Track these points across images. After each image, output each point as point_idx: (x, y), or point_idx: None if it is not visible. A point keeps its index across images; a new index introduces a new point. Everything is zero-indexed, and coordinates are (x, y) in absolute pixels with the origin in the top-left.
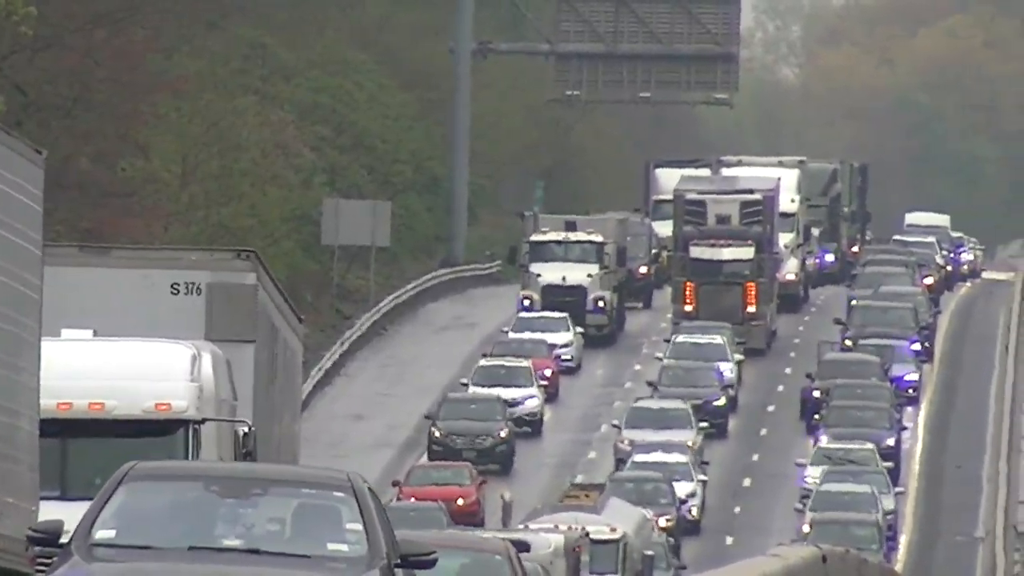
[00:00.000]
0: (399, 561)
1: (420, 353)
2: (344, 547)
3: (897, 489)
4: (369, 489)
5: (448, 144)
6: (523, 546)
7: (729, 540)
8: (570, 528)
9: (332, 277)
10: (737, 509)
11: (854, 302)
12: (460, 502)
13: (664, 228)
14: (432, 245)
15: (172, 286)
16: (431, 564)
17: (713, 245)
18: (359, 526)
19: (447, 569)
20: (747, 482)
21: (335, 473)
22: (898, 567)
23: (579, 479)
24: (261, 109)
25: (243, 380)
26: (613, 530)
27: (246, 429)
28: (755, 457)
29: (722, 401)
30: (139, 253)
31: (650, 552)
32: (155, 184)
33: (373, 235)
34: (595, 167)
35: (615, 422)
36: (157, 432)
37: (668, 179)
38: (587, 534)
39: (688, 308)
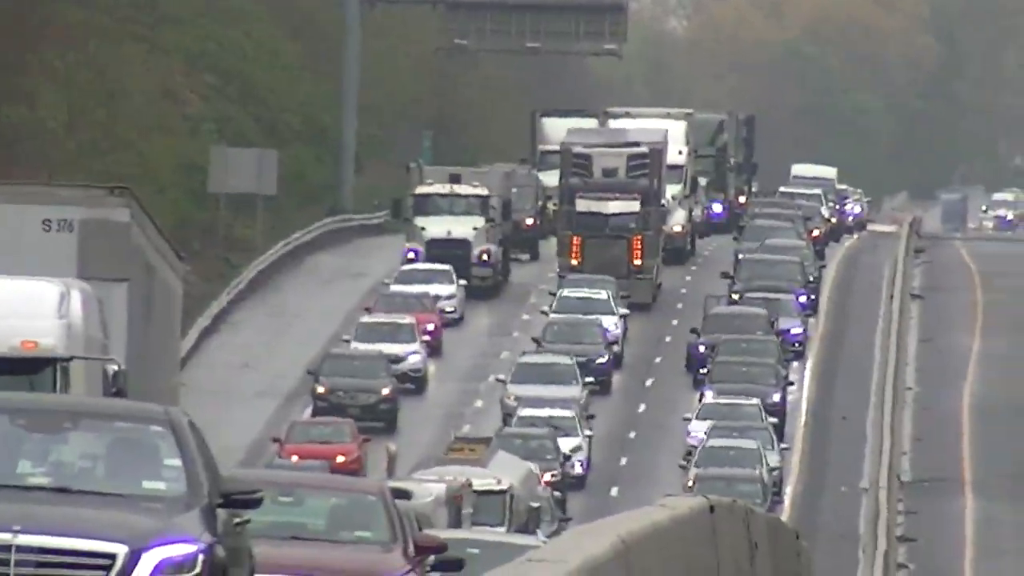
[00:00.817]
0: (221, 500)
1: (306, 303)
2: (161, 485)
3: (782, 445)
4: (190, 423)
5: (336, 94)
6: (404, 494)
7: (615, 491)
8: (454, 479)
9: (219, 226)
10: (623, 461)
11: (741, 256)
12: (341, 459)
13: (551, 179)
14: (319, 195)
15: (44, 222)
16: (256, 504)
17: (599, 198)
18: (177, 462)
19: (319, 509)
20: (632, 435)
21: (152, 406)
22: (784, 519)
23: (466, 429)
24: (148, 57)
25: (116, 319)
26: (499, 482)
27: (116, 368)
28: (641, 408)
29: (606, 358)
30: (10, 188)
31: (536, 504)
32: (41, 133)
33: (260, 184)
34: (483, 118)
35: (500, 377)
36: (24, 370)
37: (555, 129)
38: (469, 484)
39: (574, 261)
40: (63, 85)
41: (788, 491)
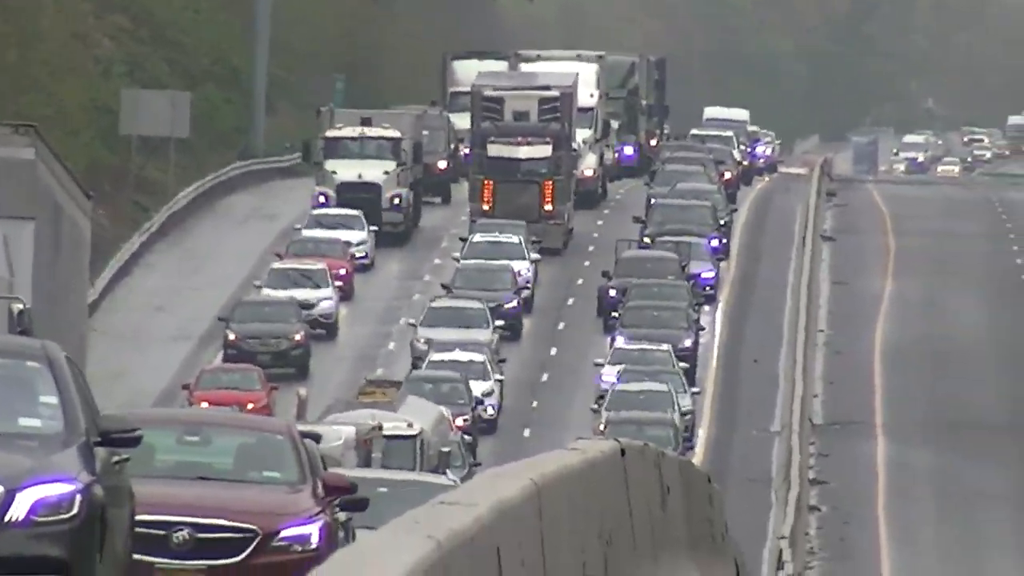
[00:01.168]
0: (100, 439)
1: (219, 245)
2: (37, 422)
3: (693, 390)
4: (67, 359)
5: (248, 36)
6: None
7: (527, 432)
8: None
9: (131, 169)
10: (535, 404)
11: (652, 200)
12: (250, 406)
13: (462, 121)
14: (231, 137)
15: None
16: (135, 442)
17: (510, 143)
18: (54, 399)
19: (226, 449)
20: (544, 378)
21: (28, 341)
22: (695, 462)
23: (379, 372)
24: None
25: (22, 258)
26: (410, 426)
27: (21, 306)
28: (552, 353)
29: (515, 303)
30: None
31: (446, 449)
32: None
33: (172, 126)
34: (395, 61)
35: (411, 321)
36: None
37: (465, 71)
38: (380, 427)
39: (485, 206)
40: None
41: (700, 435)
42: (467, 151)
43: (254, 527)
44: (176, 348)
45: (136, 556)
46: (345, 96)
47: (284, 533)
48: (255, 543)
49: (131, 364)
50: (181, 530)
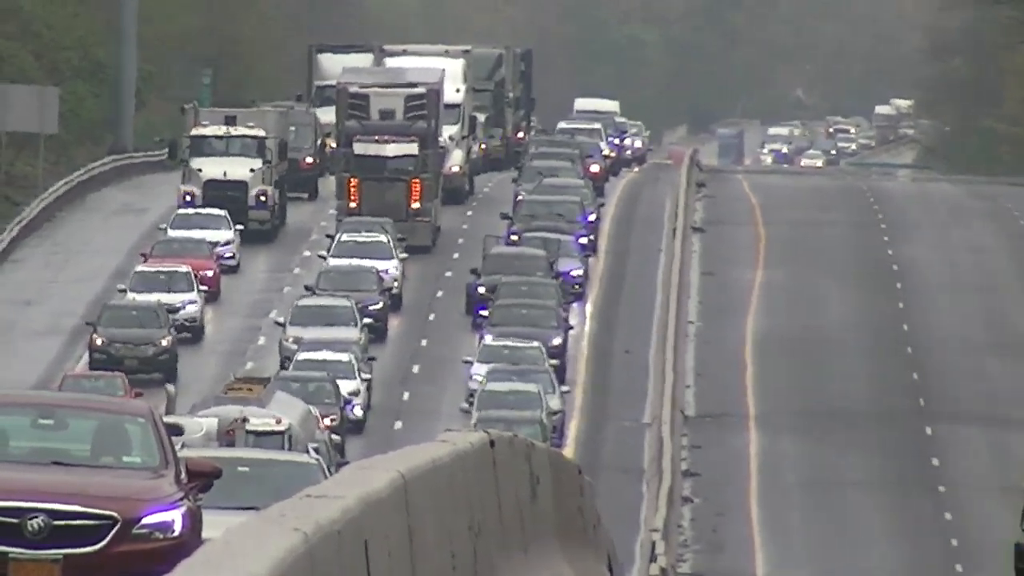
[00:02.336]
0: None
1: (89, 239)
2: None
3: (563, 388)
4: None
5: (114, 30)
6: (176, 430)
7: (399, 425)
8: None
9: (0, 164)
10: (406, 396)
11: (520, 196)
12: None
13: (327, 115)
14: (99, 132)
15: None
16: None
17: (377, 141)
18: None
19: (82, 433)
20: (415, 369)
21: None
22: (567, 454)
23: (249, 366)
24: None
25: None
26: (279, 422)
27: None
28: (421, 350)
29: (380, 304)
30: None
31: (314, 445)
32: None
33: (40, 122)
34: (261, 54)
35: (279, 320)
36: None
37: (331, 65)
38: (244, 419)
39: (352, 204)
40: None
41: (571, 426)
42: (333, 146)
43: (113, 513)
44: (45, 343)
45: None
46: (212, 89)
47: (145, 520)
48: (114, 530)
49: (1, 358)
50: (35, 517)
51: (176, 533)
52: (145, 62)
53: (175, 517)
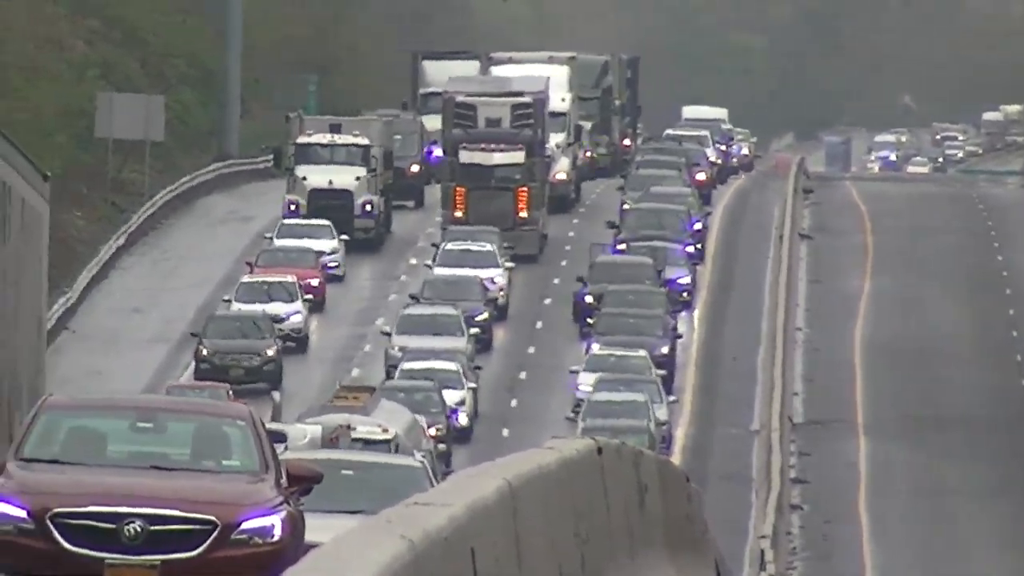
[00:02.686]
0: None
1: (195, 247)
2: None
3: (670, 398)
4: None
5: (220, 37)
6: (280, 437)
7: (506, 432)
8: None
9: (107, 171)
10: (514, 403)
11: (626, 205)
12: None
13: (433, 122)
14: (205, 139)
15: None
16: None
17: (483, 150)
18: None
19: (181, 436)
20: (523, 375)
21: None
22: (674, 461)
23: (355, 373)
24: (33, 3)
25: None
26: (385, 431)
27: None
28: (527, 358)
29: (484, 315)
30: None
31: (421, 454)
32: None
33: (147, 130)
34: (366, 61)
35: (385, 329)
36: None
37: (436, 71)
38: (349, 427)
39: (458, 213)
40: None
41: (679, 434)
42: (431, 149)
43: (212, 518)
44: (151, 351)
45: (84, 551)
46: (318, 97)
47: (244, 525)
48: (213, 536)
49: (107, 367)
50: (132, 522)
51: (276, 538)
52: (250, 70)
53: (275, 522)
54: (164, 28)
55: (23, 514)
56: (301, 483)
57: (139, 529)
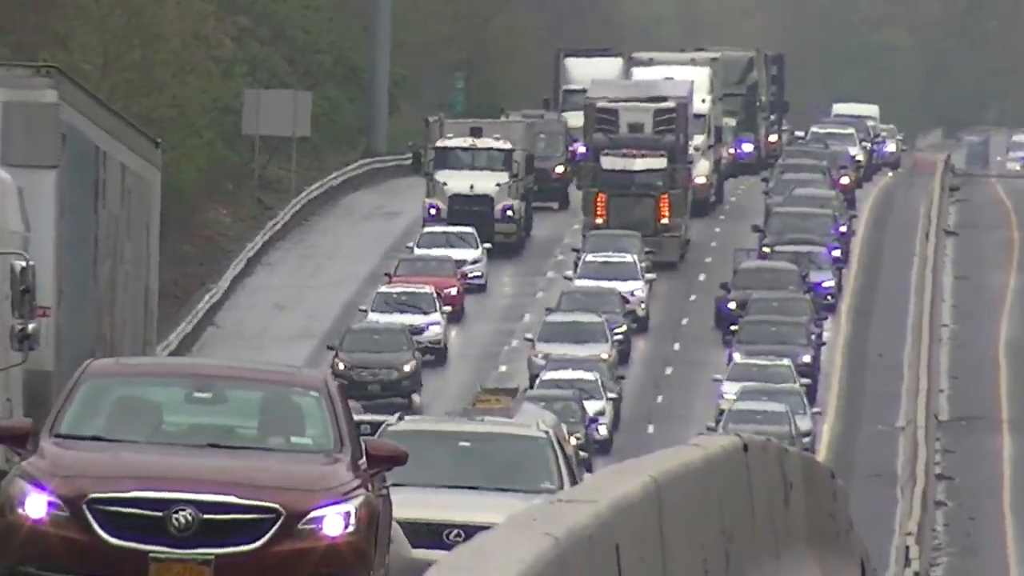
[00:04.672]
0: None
1: (341, 244)
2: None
3: (814, 409)
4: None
5: (368, 34)
6: None
7: (651, 429)
8: None
9: (254, 168)
10: (659, 398)
11: (772, 209)
12: None
13: (575, 120)
14: (353, 136)
15: None
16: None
17: (625, 155)
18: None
19: (244, 408)
20: (660, 399)
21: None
22: (819, 457)
23: (503, 369)
24: (182, 1)
25: (43, 210)
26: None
27: (24, 263)
28: (668, 372)
29: (624, 327)
30: None
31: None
32: (75, 75)
33: (294, 125)
34: (512, 58)
35: (528, 335)
36: None
37: (578, 69)
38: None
39: (599, 220)
40: (97, 28)
41: (824, 430)
42: (573, 147)
43: (276, 506)
44: (296, 348)
45: (126, 543)
46: (465, 94)
47: (313, 514)
48: (276, 526)
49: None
50: (182, 510)
51: (350, 529)
52: (398, 67)
53: (349, 510)
54: (311, 25)
55: (56, 500)
56: (383, 464)
57: (190, 518)
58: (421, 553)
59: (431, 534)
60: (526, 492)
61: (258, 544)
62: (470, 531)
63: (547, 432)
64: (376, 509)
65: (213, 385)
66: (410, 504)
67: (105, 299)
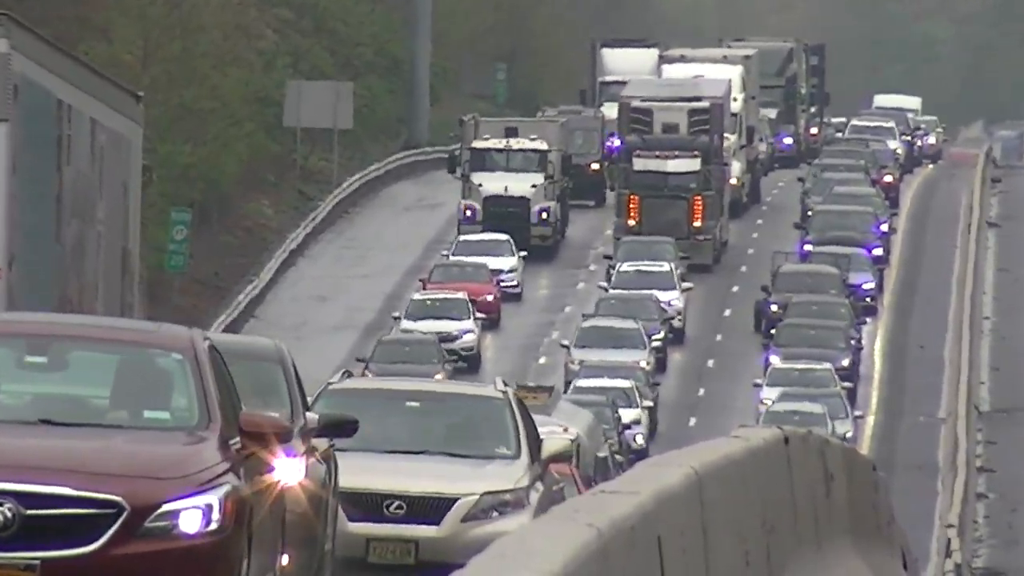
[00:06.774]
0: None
1: (383, 234)
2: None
3: (856, 413)
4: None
5: (409, 25)
6: None
7: (692, 422)
8: None
9: (295, 159)
10: (701, 391)
11: (813, 208)
12: None
13: (612, 111)
14: (394, 127)
15: None
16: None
17: (658, 156)
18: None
19: (88, 374)
20: (700, 395)
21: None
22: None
23: (542, 361)
24: None
25: None
26: (565, 430)
27: None
28: (709, 364)
29: (661, 335)
30: None
31: (602, 454)
32: (116, 67)
33: (335, 117)
34: (553, 50)
35: (564, 342)
36: None
37: (614, 60)
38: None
39: (632, 222)
40: (138, 19)
41: (867, 424)
42: (609, 142)
43: (117, 499)
44: (338, 339)
45: None
46: (506, 85)
47: (165, 507)
48: (118, 524)
49: (296, 354)
50: (0, 504)
51: (212, 527)
52: (439, 58)
53: (212, 503)
54: (352, 16)
55: None
56: (259, 443)
57: (9, 514)
58: (359, 527)
59: (370, 505)
60: (478, 458)
61: (95, 546)
62: (413, 502)
63: (505, 392)
64: (247, 500)
65: (50, 347)
66: (348, 471)
67: (71, 260)
